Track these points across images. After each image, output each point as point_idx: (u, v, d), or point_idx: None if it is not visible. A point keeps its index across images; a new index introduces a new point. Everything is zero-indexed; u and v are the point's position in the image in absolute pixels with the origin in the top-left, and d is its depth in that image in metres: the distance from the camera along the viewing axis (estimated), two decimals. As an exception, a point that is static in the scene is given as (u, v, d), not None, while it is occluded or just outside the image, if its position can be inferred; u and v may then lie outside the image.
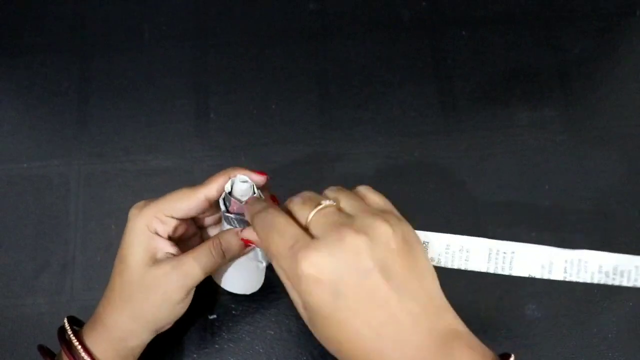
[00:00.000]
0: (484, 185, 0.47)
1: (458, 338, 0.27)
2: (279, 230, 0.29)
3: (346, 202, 0.30)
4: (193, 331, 0.42)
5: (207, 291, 0.43)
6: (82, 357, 0.34)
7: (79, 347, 0.34)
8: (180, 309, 0.36)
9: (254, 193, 0.35)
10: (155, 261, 0.35)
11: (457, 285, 0.44)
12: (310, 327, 0.30)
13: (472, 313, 0.43)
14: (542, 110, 0.49)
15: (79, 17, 0.52)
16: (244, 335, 0.42)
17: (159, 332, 0.37)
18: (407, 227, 0.29)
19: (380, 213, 0.29)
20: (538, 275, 0.31)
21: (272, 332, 0.42)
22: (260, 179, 0.35)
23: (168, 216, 0.35)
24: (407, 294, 0.27)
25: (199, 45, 0.51)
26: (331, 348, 0.28)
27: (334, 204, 0.30)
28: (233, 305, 0.43)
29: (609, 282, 0.31)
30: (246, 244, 0.36)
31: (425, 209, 0.46)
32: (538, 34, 0.51)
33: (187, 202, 0.35)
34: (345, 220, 0.28)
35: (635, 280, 0.30)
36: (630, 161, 0.47)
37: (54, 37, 0.51)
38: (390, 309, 0.27)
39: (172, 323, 0.37)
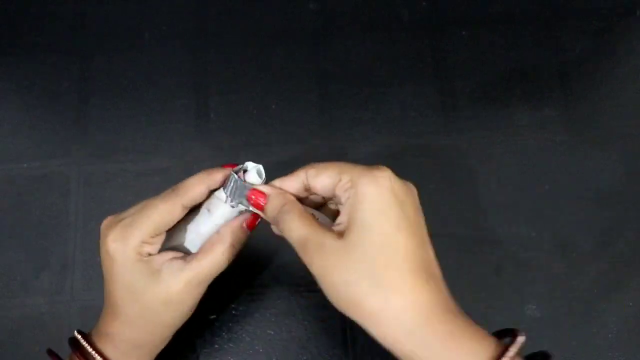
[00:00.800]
0: (484, 185, 0.47)
1: (458, 316, 0.30)
2: (345, 163, 0.32)
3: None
4: (193, 331, 0.42)
5: (207, 291, 0.43)
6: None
7: (96, 355, 0.33)
8: (187, 317, 0.36)
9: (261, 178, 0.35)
10: (159, 277, 0.33)
11: (457, 284, 0.44)
12: (335, 263, 0.29)
13: (472, 313, 0.43)
14: (542, 110, 0.49)
15: (79, 17, 0.52)
16: (244, 335, 0.42)
17: None
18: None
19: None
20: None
21: (272, 332, 0.42)
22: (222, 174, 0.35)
23: (154, 237, 0.34)
24: (432, 254, 0.31)
25: (199, 45, 0.51)
26: (350, 287, 0.28)
27: None
28: (233, 305, 0.43)
29: None
30: (250, 225, 0.36)
31: (425, 209, 0.46)
32: (538, 34, 0.51)
33: (168, 216, 0.33)
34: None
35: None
36: (630, 161, 0.47)
37: (54, 37, 0.51)
38: (429, 247, 0.31)
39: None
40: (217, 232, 0.36)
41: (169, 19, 0.52)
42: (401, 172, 0.47)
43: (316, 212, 0.35)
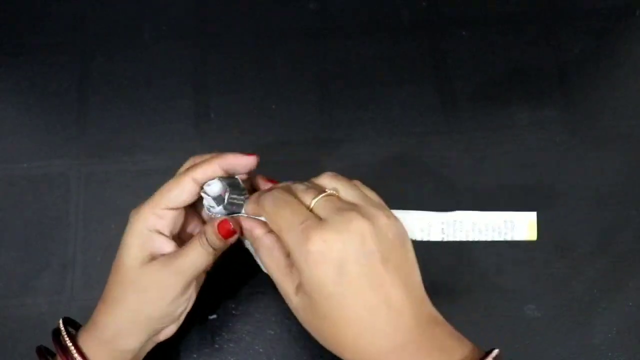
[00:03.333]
0: (483, 185, 0.47)
1: (438, 324, 0.30)
2: (291, 208, 0.31)
3: (345, 191, 0.33)
4: (193, 331, 0.42)
5: (207, 291, 0.43)
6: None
7: (73, 350, 0.33)
8: (177, 308, 0.35)
9: (241, 190, 0.35)
10: (152, 259, 0.34)
11: (457, 285, 0.44)
12: (301, 314, 0.31)
13: (472, 313, 0.43)
14: (542, 110, 0.49)
15: (79, 17, 0.52)
16: (244, 335, 0.42)
17: (158, 337, 0.36)
18: (399, 223, 0.32)
19: (379, 206, 0.32)
20: (418, 238, 0.34)
21: (272, 332, 0.42)
22: (250, 161, 0.35)
23: (164, 209, 0.34)
24: (399, 281, 0.30)
25: (199, 45, 0.51)
26: (323, 333, 0.30)
27: (335, 193, 0.33)
28: (233, 305, 0.43)
29: (482, 237, 0.33)
30: (225, 236, 0.35)
31: (425, 209, 0.46)
32: (538, 34, 0.51)
33: (178, 188, 0.34)
34: (349, 207, 0.31)
35: (505, 234, 0.33)
36: (630, 161, 0.47)
37: (54, 37, 0.51)
38: (385, 292, 0.29)
39: (172, 326, 0.36)
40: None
41: (169, 19, 0.52)
42: (401, 172, 0.47)
43: None
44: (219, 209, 0.35)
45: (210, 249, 0.35)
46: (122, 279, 0.34)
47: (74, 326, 0.37)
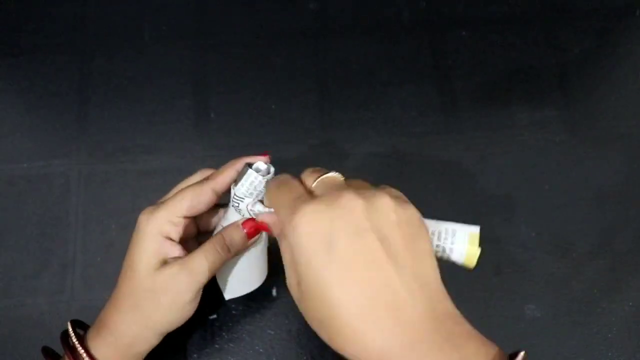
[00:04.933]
0: (483, 185, 0.47)
1: (458, 324, 0.27)
2: (289, 187, 0.31)
3: (355, 182, 0.32)
4: (193, 331, 0.42)
5: (207, 291, 0.43)
6: None
7: (83, 353, 0.34)
8: (189, 311, 0.36)
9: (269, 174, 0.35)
10: (163, 264, 0.35)
11: (456, 285, 0.44)
12: (303, 306, 0.28)
13: (472, 312, 0.43)
14: (542, 110, 0.49)
15: (79, 17, 0.52)
16: (244, 335, 0.42)
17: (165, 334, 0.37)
18: (416, 212, 0.29)
19: (387, 190, 0.29)
20: None
21: (272, 332, 0.42)
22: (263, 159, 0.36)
23: (179, 217, 0.35)
24: (407, 270, 0.26)
25: (199, 45, 0.51)
26: (323, 324, 0.27)
27: (341, 176, 0.31)
28: (233, 305, 0.43)
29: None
30: (250, 234, 0.36)
31: (425, 209, 0.46)
32: (538, 34, 0.51)
33: (197, 199, 0.35)
34: (347, 186, 0.30)
35: (445, 239, 0.32)
36: (630, 161, 0.47)
37: (54, 37, 0.51)
38: (387, 277, 0.26)
39: (180, 324, 0.37)
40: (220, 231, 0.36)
41: (169, 19, 0.52)
42: (401, 172, 0.47)
43: None
44: (250, 200, 0.34)
45: (227, 252, 0.35)
46: (137, 286, 0.34)
47: (82, 326, 0.37)
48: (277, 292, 0.43)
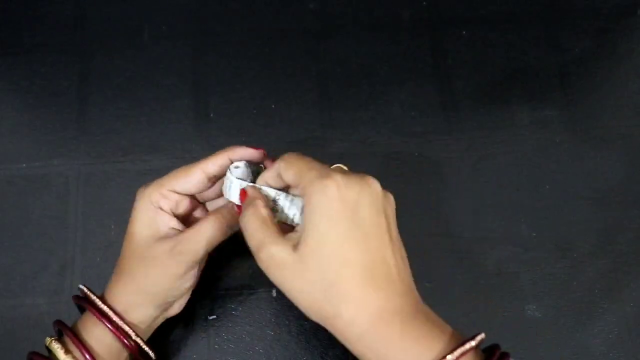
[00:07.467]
0: (484, 185, 0.47)
1: (425, 306, 0.31)
2: (312, 159, 0.33)
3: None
4: (193, 331, 0.42)
5: (207, 291, 0.43)
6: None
7: (104, 306, 0.35)
8: (182, 285, 0.36)
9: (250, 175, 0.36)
10: (159, 236, 0.36)
11: (456, 285, 0.44)
12: (294, 263, 0.30)
13: (472, 313, 0.43)
14: (542, 110, 0.49)
15: (79, 17, 0.52)
16: (244, 335, 0.42)
17: (167, 312, 0.38)
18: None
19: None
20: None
21: (272, 332, 0.42)
22: (257, 154, 0.37)
23: (170, 191, 0.36)
24: (397, 252, 0.31)
25: (199, 45, 0.51)
26: (320, 277, 0.29)
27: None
28: (233, 305, 0.43)
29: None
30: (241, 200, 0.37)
31: (425, 209, 0.46)
32: (538, 34, 0.51)
33: (186, 176, 0.37)
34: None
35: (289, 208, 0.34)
36: (630, 161, 0.47)
37: (54, 37, 0.51)
38: (387, 254, 0.30)
39: (181, 301, 0.38)
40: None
41: (169, 19, 0.52)
42: (401, 172, 0.47)
43: (297, 199, 0.34)
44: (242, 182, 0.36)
45: (224, 232, 0.36)
46: (132, 253, 0.36)
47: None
48: (277, 292, 0.43)
